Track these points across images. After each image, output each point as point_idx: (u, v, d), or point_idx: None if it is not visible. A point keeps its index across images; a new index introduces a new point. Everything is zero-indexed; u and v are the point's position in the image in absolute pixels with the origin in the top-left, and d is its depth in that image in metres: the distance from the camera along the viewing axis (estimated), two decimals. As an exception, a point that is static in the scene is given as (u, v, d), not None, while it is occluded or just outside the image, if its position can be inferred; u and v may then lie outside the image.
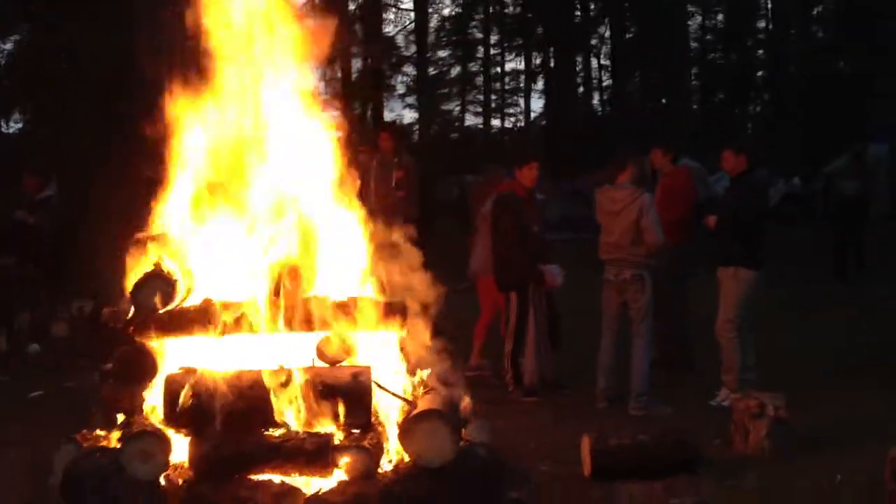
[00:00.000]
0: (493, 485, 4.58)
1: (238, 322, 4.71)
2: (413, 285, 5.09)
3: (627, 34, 33.88)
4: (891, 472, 5.06)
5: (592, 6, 34.59)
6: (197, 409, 4.44)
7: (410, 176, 10.58)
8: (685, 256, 8.75)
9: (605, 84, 38.15)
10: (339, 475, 4.41)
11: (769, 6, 34.64)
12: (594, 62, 36.59)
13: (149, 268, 4.92)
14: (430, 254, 5.36)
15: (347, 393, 4.50)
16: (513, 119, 39.72)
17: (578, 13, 33.14)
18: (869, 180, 15.50)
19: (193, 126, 5.28)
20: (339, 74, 27.95)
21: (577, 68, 34.07)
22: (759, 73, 33.85)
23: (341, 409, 4.47)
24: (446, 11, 35.00)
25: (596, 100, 38.43)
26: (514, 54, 37.78)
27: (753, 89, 33.52)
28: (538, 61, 36.43)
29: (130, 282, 4.93)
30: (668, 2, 29.87)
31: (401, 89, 33.64)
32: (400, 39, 31.93)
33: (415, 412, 4.55)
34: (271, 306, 4.75)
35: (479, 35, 37.11)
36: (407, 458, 4.49)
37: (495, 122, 38.84)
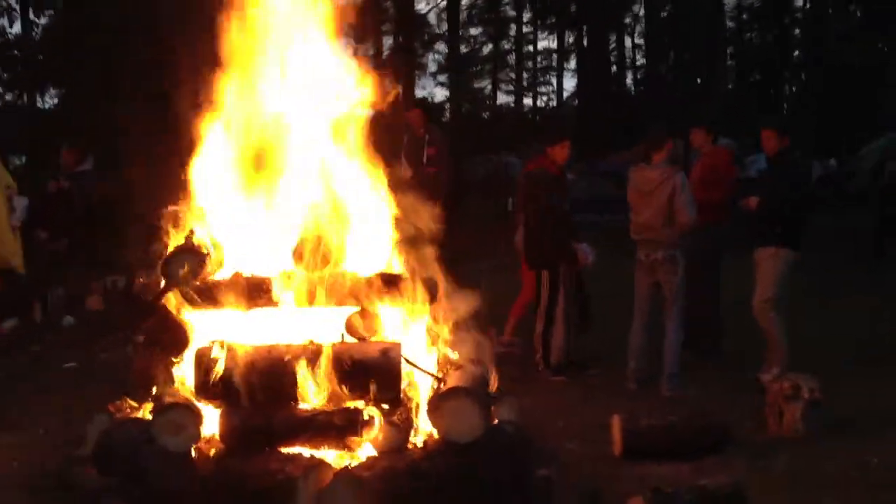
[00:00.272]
0: (520, 462, 4.58)
1: (268, 296, 4.72)
2: (443, 262, 5.08)
3: (662, 13, 33.51)
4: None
5: (627, -16, 34.30)
6: (227, 382, 4.46)
7: (441, 153, 10.54)
8: (720, 238, 8.66)
9: (638, 63, 37.84)
10: (368, 450, 4.43)
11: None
12: (628, 41, 36.33)
13: (180, 241, 4.95)
14: (459, 231, 5.34)
15: (377, 368, 4.50)
16: (544, 98, 39.55)
17: (612, -9, 32.87)
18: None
19: (226, 101, 5.29)
20: (372, 52, 27.96)
21: (611, 47, 33.80)
22: (796, 53, 33.41)
23: (371, 385, 4.48)
24: (479, -11, 34.86)
25: (629, 79, 38.14)
26: (546, 32, 37.55)
27: (788, 69, 33.10)
28: (571, 40, 36.20)
29: (162, 255, 4.96)
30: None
31: (432, 67, 33.59)
32: (432, 17, 31.85)
33: (444, 389, 4.55)
34: (301, 281, 4.75)
35: (512, 13, 36.91)
36: (436, 435, 4.49)
37: (527, 102, 38.67)
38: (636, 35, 36.49)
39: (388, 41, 29.01)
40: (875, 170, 16.48)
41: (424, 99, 27.44)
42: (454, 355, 5.06)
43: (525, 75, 38.22)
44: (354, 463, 4.35)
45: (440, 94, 34.62)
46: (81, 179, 10.87)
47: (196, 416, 4.44)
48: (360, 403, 4.49)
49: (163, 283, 4.88)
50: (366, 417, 4.43)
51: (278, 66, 5.36)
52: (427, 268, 5.05)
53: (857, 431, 6.15)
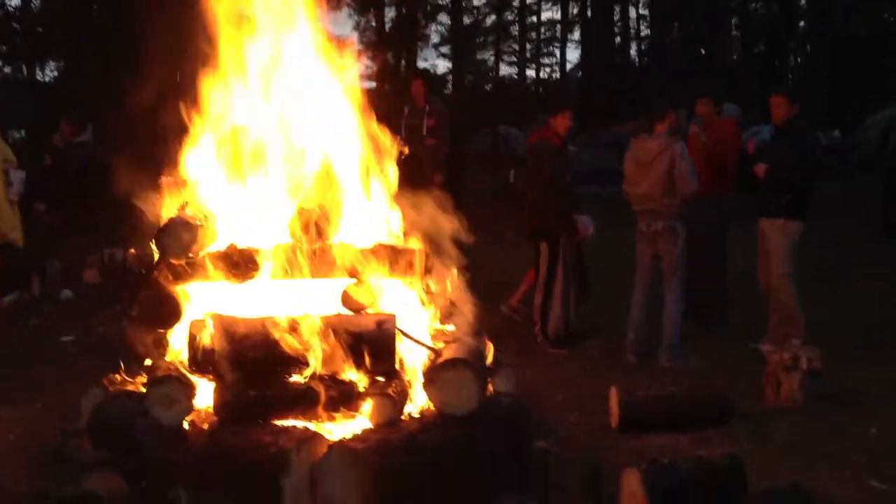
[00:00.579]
0: (518, 434, 4.54)
1: (263, 268, 4.67)
2: (440, 234, 5.02)
3: (667, -17, 33.23)
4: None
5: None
6: (221, 354, 4.43)
7: (441, 124, 10.46)
8: (727, 209, 8.60)
9: (642, 34, 37.56)
10: (362, 422, 4.40)
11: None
12: (632, 11, 36.02)
13: (173, 213, 4.90)
14: (458, 203, 5.29)
15: (372, 340, 4.46)
16: (548, 69, 39.29)
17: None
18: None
19: (221, 73, 5.22)
20: (374, 23, 27.78)
21: (615, 18, 33.53)
22: (801, 24, 33.12)
23: (365, 357, 4.44)
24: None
25: (633, 50, 37.87)
26: (550, 3, 37.25)
27: (794, 40, 32.84)
28: (575, 10, 35.91)
29: (155, 227, 4.91)
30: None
31: (435, 38, 33.34)
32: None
33: (440, 360, 4.51)
34: (296, 252, 4.70)
35: (516, -18, 36.55)
36: (431, 407, 4.45)
37: (530, 73, 38.42)
38: (641, 5, 36.21)
39: (390, 12, 28.81)
40: (881, 138, 16.38)
41: (426, 70, 27.26)
42: (450, 327, 5.01)
43: (528, 46, 37.92)
44: (349, 435, 4.32)
45: (442, 65, 34.41)
46: (80, 150, 10.88)
47: (189, 389, 4.40)
48: (354, 375, 4.45)
49: (156, 255, 4.84)
50: (360, 390, 4.39)
51: (277, 37, 5.28)
52: (424, 240, 5.00)
53: (858, 403, 6.13)
